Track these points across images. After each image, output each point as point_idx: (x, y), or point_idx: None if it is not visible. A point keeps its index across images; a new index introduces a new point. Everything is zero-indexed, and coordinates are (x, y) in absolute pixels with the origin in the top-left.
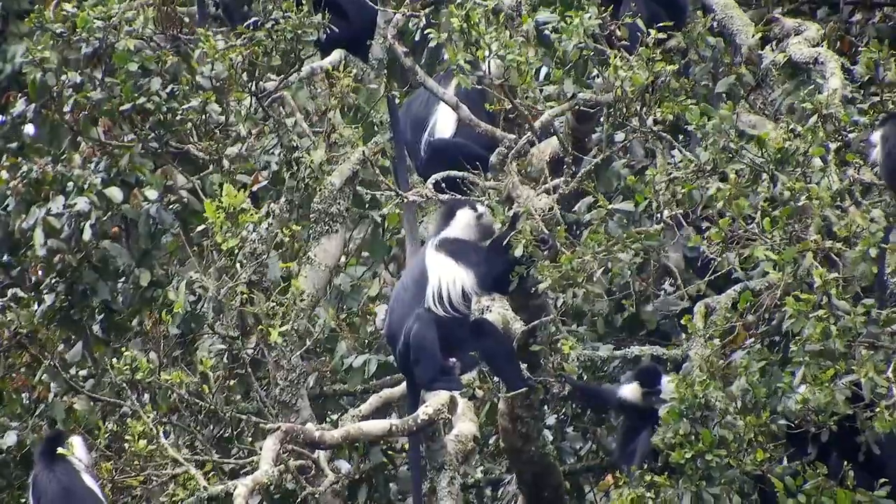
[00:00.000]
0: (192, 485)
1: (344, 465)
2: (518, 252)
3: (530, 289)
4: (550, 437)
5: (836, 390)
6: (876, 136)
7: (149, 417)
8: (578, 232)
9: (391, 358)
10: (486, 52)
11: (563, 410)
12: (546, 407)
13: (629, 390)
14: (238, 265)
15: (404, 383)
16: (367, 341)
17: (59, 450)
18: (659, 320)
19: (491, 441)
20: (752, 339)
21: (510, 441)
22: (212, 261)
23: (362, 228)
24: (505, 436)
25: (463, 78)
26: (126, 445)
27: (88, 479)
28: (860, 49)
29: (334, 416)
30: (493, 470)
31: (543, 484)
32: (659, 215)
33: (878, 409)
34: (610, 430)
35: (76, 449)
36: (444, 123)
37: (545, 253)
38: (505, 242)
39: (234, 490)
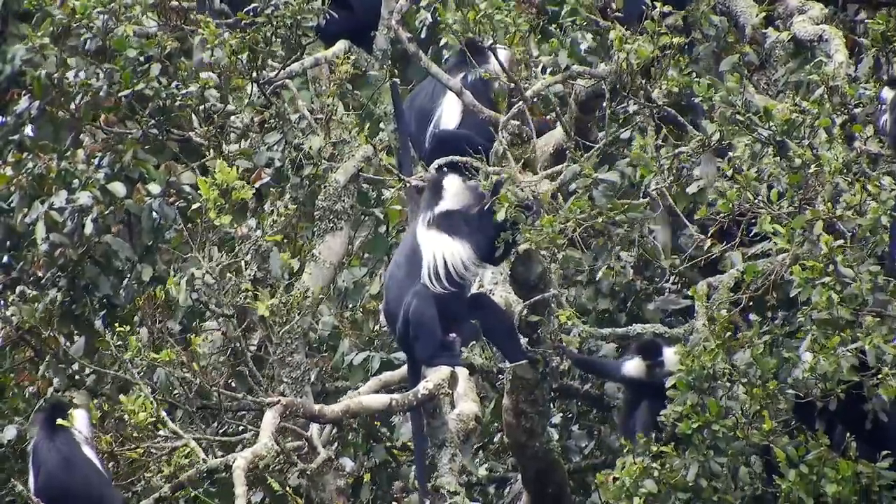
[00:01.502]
0: (192, 457)
1: (348, 463)
2: (500, 216)
3: (533, 282)
4: (556, 436)
5: (842, 357)
6: (888, 95)
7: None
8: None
9: (393, 356)
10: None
11: (569, 409)
12: (553, 405)
13: (632, 366)
14: (242, 262)
15: (404, 367)
16: (369, 339)
17: (59, 420)
18: (661, 318)
19: (496, 439)
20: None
21: (514, 436)
22: (208, 255)
23: (365, 227)
24: (509, 431)
25: (450, 37)
26: (125, 418)
27: (88, 451)
28: (864, 48)
29: None
30: (497, 468)
31: (547, 480)
32: (645, 188)
33: (882, 375)
34: (614, 428)
35: (77, 421)
36: (449, 115)
37: (529, 219)
38: (488, 208)
39: (233, 462)
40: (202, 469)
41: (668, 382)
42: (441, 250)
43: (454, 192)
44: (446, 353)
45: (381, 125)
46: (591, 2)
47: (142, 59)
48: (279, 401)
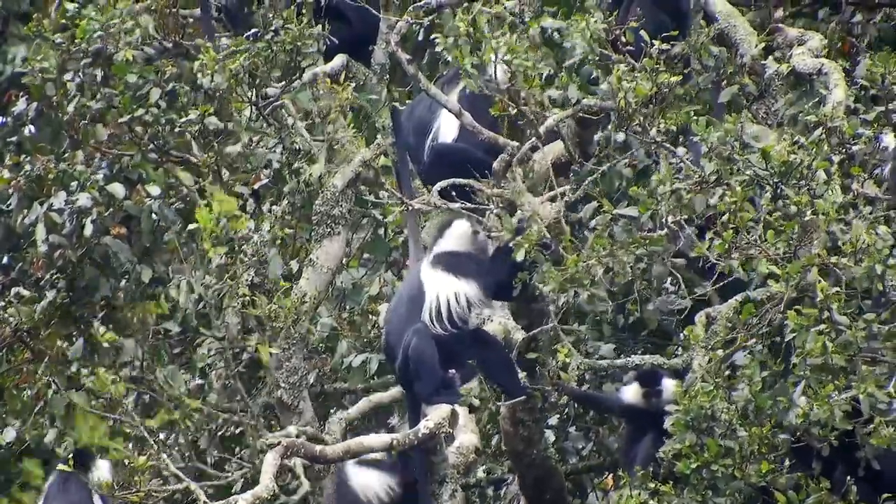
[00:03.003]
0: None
1: None
2: (520, 257)
3: (531, 294)
4: (553, 438)
5: (835, 405)
6: (890, 143)
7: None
8: (581, 234)
9: None
10: (493, 57)
11: (566, 410)
12: (545, 410)
13: (631, 393)
14: (238, 264)
15: (396, 388)
16: (367, 340)
17: (60, 465)
18: (660, 319)
19: (493, 441)
20: (754, 340)
21: (512, 444)
22: (202, 264)
23: (364, 229)
24: (507, 439)
25: (469, 81)
26: (125, 461)
27: (98, 501)
28: (861, 50)
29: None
30: (495, 470)
31: (545, 487)
32: (663, 221)
33: (875, 425)
34: (612, 430)
35: (101, 471)
36: (447, 128)
37: (548, 258)
38: (507, 249)
39: None
40: None
41: (667, 422)
42: (444, 291)
43: (460, 234)
44: (446, 391)
45: (379, 132)
46: (601, 36)
47: (142, 83)
48: (280, 442)
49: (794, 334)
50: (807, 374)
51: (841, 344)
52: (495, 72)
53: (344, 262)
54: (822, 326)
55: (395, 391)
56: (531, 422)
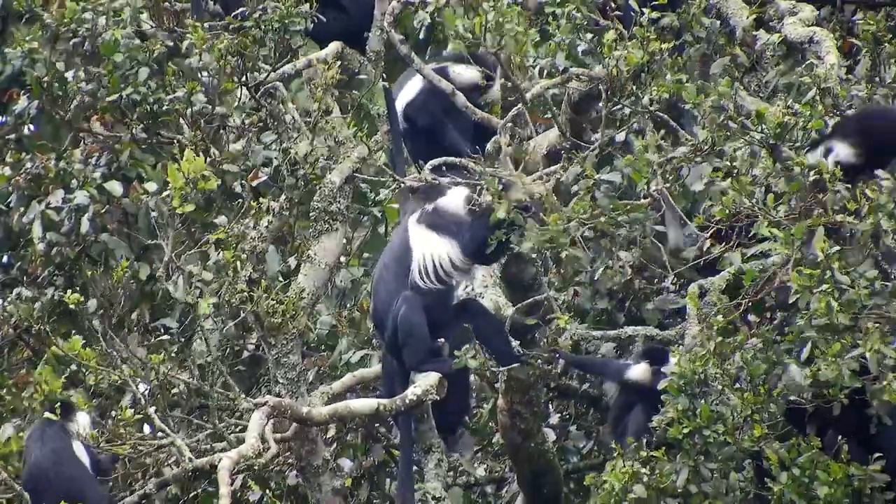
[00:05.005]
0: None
1: (346, 463)
2: (501, 215)
3: (527, 283)
4: (553, 437)
5: (843, 364)
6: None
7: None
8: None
9: None
10: (484, 21)
11: (567, 409)
12: (550, 405)
13: (639, 370)
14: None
15: (379, 365)
16: (367, 337)
17: (47, 413)
18: (660, 318)
19: (493, 440)
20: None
21: (509, 437)
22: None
23: (363, 227)
24: (504, 432)
25: (458, 43)
26: (113, 413)
27: (79, 447)
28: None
29: None
30: (495, 469)
31: (543, 481)
32: (645, 188)
33: (886, 382)
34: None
35: (79, 421)
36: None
37: (527, 219)
38: (488, 209)
39: (218, 462)
40: (188, 468)
41: (660, 385)
42: (430, 248)
43: (448, 191)
44: (434, 358)
45: (376, 122)
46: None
47: (130, 63)
48: (267, 401)
49: (797, 295)
50: (812, 335)
51: (845, 303)
52: (484, 35)
53: (343, 259)
54: (825, 287)
55: (379, 367)
56: (528, 414)
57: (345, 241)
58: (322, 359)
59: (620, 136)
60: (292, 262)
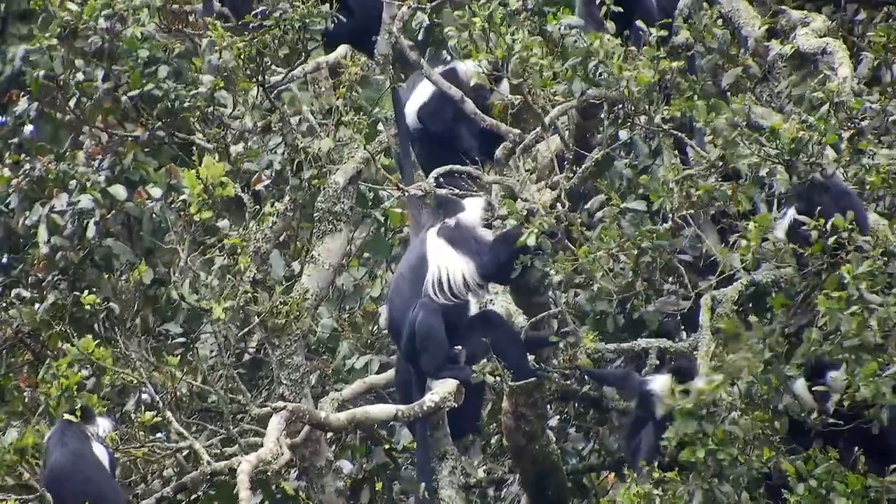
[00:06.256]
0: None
1: (346, 465)
2: (530, 241)
3: (533, 286)
4: (553, 438)
5: (882, 383)
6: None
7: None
8: (587, 228)
9: (393, 359)
10: (506, 53)
11: (566, 411)
12: (550, 407)
13: (660, 383)
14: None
15: (390, 371)
16: (369, 341)
17: (66, 415)
18: (661, 320)
19: (493, 441)
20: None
21: (514, 439)
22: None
23: (364, 229)
24: (508, 434)
25: (483, 77)
26: (131, 416)
27: (99, 449)
28: (862, 51)
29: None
30: (495, 470)
31: (547, 483)
32: (669, 215)
33: None
34: (612, 430)
35: (99, 423)
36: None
37: (554, 247)
38: (512, 233)
39: (237, 466)
40: (206, 472)
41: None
42: (446, 263)
43: (472, 208)
44: (452, 365)
45: (380, 127)
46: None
47: (149, 60)
48: (286, 406)
49: (826, 318)
50: (845, 357)
51: (877, 321)
52: (507, 67)
53: (345, 261)
54: (855, 308)
55: (390, 373)
56: (533, 416)
57: (348, 242)
58: (324, 363)
59: (623, 134)
60: (296, 263)
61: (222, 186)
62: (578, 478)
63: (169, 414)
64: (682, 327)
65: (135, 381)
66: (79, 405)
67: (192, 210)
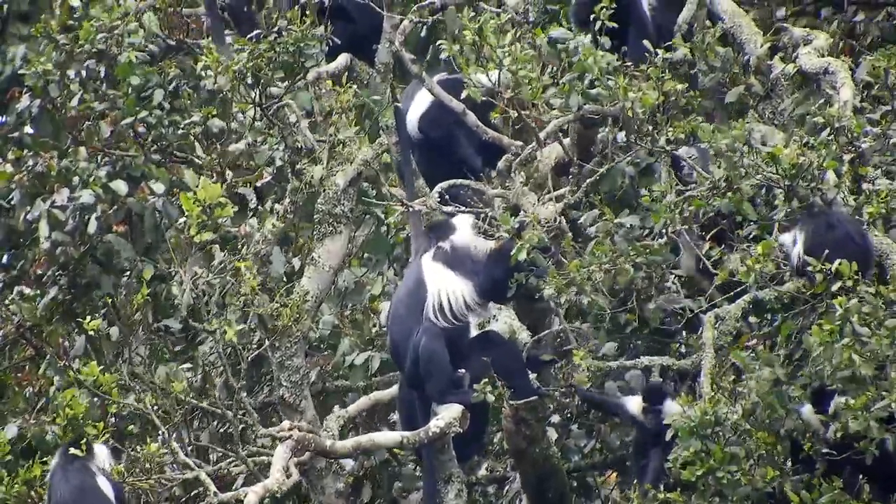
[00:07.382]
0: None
1: (348, 464)
2: (521, 257)
3: (531, 294)
4: (555, 436)
5: (870, 417)
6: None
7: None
8: (581, 240)
9: None
10: (497, 66)
11: (568, 409)
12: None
13: (634, 403)
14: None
15: (394, 387)
16: (369, 338)
17: (72, 449)
18: (662, 318)
19: (495, 439)
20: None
21: (515, 443)
22: (189, 255)
23: (365, 227)
24: (509, 437)
25: (474, 91)
26: (137, 448)
27: (104, 482)
28: (863, 50)
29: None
30: (496, 468)
31: (547, 485)
32: (664, 231)
33: None
34: (613, 427)
35: (98, 455)
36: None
37: (549, 261)
38: (505, 249)
39: (244, 497)
40: (213, 502)
41: (669, 430)
42: (445, 286)
43: (463, 228)
44: (456, 390)
45: (381, 128)
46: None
47: (145, 85)
48: (291, 435)
49: (820, 349)
50: (838, 388)
51: (867, 354)
52: (499, 80)
53: (345, 262)
54: (846, 340)
55: (395, 390)
56: (534, 420)
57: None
58: (325, 359)
59: (621, 136)
60: (296, 263)
61: (220, 207)
62: (581, 476)
63: (175, 445)
64: (683, 327)
65: (141, 411)
66: (83, 439)
67: (192, 232)
